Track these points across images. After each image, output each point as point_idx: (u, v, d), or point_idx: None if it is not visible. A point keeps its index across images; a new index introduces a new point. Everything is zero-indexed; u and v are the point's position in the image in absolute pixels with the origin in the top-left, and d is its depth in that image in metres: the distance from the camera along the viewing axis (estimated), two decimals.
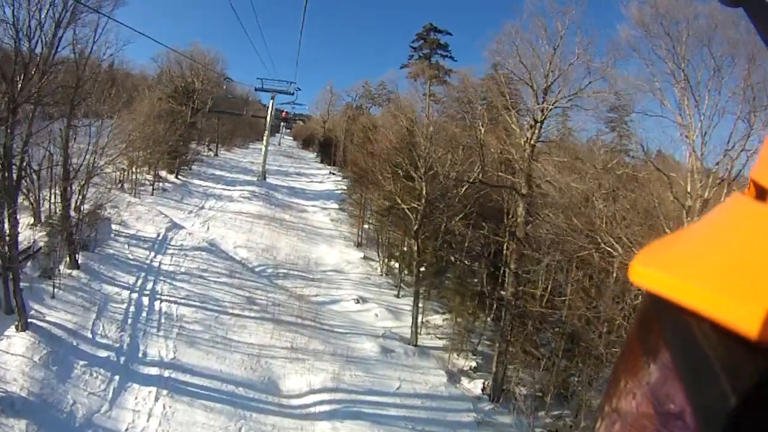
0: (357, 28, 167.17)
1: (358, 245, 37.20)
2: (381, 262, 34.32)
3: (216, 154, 61.47)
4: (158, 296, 23.74)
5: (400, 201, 28.20)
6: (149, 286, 24.57)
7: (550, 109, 23.79)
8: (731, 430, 0.43)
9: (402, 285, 31.61)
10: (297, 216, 40.21)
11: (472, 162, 28.55)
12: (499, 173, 26.80)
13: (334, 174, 60.05)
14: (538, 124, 23.75)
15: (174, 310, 22.82)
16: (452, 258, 31.61)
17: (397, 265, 33.89)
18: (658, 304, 0.51)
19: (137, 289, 24.15)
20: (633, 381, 0.56)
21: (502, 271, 27.46)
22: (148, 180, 39.55)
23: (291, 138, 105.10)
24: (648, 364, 0.54)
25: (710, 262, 0.49)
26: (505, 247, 28.05)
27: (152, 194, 37.95)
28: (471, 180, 26.83)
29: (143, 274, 25.61)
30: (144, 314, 22.25)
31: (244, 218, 36.58)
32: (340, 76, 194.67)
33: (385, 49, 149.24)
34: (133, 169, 39.40)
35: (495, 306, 27.11)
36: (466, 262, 31.06)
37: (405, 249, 32.94)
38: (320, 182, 55.74)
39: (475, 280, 29.30)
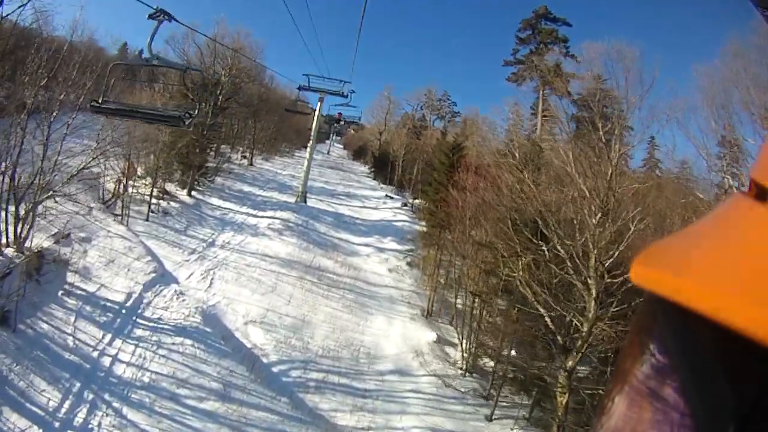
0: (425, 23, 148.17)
1: (428, 314, 25.70)
2: (464, 352, 22.69)
3: (251, 164, 50.76)
4: None
5: (537, 303, 16.69)
6: (79, 418, 13.70)
7: None
8: None
9: (498, 397, 20.14)
10: (344, 263, 28.74)
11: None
12: None
13: (391, 198, 48.43)
14: None
15: None
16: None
17: (488, 361, 22.56)
18: (659, 304, 0.50)
19: (57, 424, 13.37)
20: (633, 381, 0.56)
21: None
22: (153, 195, 29.15)
23: (341, 146, 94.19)
24: (648, 364, 0.54)
25: (712, 262, 0.49)
26: None
27: (147, 219, 27.28)
28: None
29: (78, 385, 14.80)
30: None
31: (268, 266, 25.44)
32: (400, 80, 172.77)
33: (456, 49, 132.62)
34: (132, 181, 29.11)
35: None
36: None
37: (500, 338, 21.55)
38: (375, 208, 43.95)
39: None
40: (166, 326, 18.37)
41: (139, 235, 25.19)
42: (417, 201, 46.12)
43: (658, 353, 0.52)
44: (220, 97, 34.80)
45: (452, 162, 30.11)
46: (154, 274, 21.64)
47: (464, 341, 22.74)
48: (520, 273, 18.21)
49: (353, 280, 26.76)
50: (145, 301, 19.71)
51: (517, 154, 23.43)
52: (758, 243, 0.47)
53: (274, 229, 30.30)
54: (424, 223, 36.86)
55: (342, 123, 59.75)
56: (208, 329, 18.83)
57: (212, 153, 39.97)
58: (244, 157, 51.51)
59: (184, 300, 20.39)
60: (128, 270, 21.31)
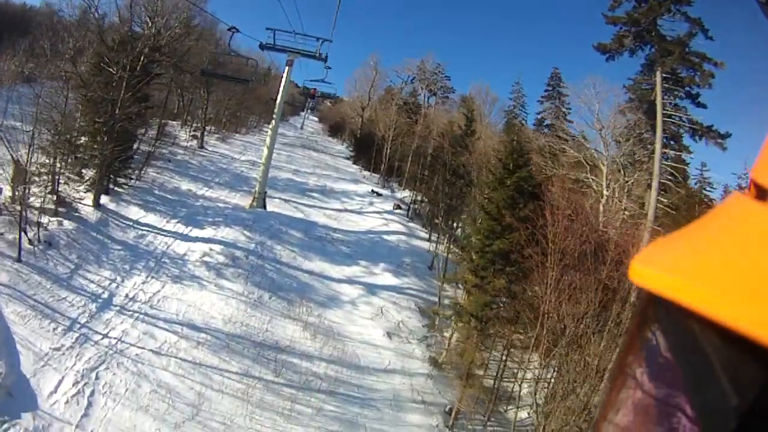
0: None
1: (454, 421, 16.43)
2: None
3: (201, 146, 40.05)
4: None
5: None
6: None
7: None
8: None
9: None
10: (318, 327, 18.70)
11: None
12: None
13: (379, 195, 38.02)
14: None
15: None
16: None
17: None
18: (659, 303, 0.50)
19: None
20: (634, 379, 0.57)
21: None
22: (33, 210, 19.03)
23: (316, 119, 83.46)
24: (648, 363, 0.55)
25: (712, 262, 0.48)
26: None
27: (20, 258, 17.01)
28: None
29: None
30: None
31: (190, 351, 15.63)
32: (387, 52, 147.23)
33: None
34: (21, 188, 18.97)
35: None
36: None
37: None
38: (359, 212, 33.24)
39: None
40: None
41: (0, 292, 15.21)
42: (412, 200, 36.40)
43: (659, 352, 0.52)
44: (142, 58, 23.87)
45: (518, 182, 19.05)
46: None
47: None
48: None
49: (336, 369, 16.92)
50: None
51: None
52: (758, 243, 0.46)
53: (210, 265, 20.40)
54: (424, 235, 27.24)
55: (316, 98, 48.95)
56: None
57: (145, 135, 29.19)
58: (194, 137, 40.80)
59: None
60: None
